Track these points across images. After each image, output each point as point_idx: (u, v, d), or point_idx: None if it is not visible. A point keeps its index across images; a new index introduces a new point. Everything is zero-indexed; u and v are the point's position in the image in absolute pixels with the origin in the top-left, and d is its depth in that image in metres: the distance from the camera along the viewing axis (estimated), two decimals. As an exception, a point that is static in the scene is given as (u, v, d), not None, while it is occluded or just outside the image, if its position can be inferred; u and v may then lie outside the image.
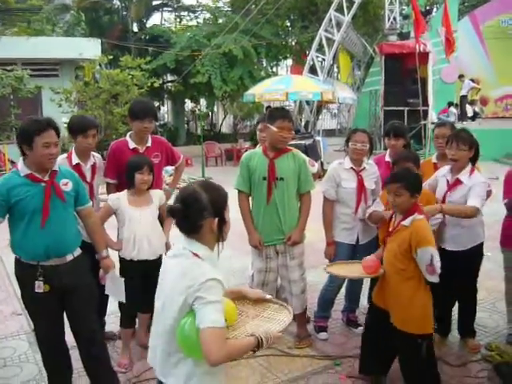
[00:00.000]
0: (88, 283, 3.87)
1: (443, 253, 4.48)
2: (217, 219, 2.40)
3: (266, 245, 4.68)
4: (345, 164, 4.83)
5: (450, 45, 17.14)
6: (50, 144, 3.52)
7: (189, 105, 28.14)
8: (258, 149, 4.77)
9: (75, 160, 4.51)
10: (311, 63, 19.33)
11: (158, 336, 2.50)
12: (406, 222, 3.70)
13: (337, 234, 4.90)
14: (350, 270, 4.22)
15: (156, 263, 4.40)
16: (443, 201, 4.45)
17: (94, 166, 4.64)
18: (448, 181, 4.49)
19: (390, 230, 3.88)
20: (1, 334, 5.12)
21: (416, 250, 3.61)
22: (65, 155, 4.54)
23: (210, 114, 27.14)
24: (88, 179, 4.55)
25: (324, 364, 4.53)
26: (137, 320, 4.77)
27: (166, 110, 29.29)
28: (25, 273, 3.67)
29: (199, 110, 25.97)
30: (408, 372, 3.89)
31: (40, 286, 3.60)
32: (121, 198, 4.48)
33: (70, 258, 3.73)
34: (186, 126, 27.09)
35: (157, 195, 4.60)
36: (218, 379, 2.46)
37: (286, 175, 4.56)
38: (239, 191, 4.71)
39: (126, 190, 4.51)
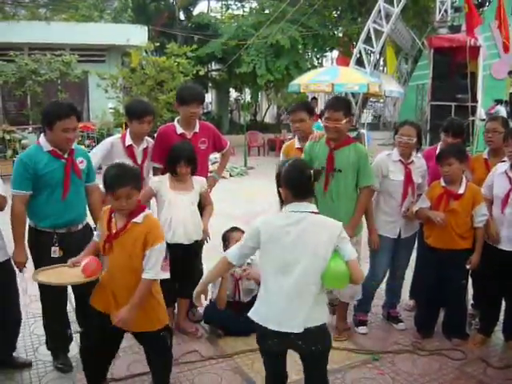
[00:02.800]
0: None
1: (498, 253, 4.40)
2: None
3: None
4: (393, 156, 4.73)
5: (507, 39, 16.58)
6: (69, 129, 3.84)
7: (233, 94, 28.19)
8: (323, 138, 4.68)
9: (128, 141, 4.64)
10: (358, 55, 19.09)
11: (295, 294, 2.95)
12: (138, 219, 3.39)
13: (379, 226, 4.81)
14: (62, 275, 3.65)
15: (191, 248, 4.46)
16: (506, 198, 4.35)
17: (145, 150, 4.74)
18: (510, 178, 4.38)
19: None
20: (36, 312, 5.22)
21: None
22: (119, 135, 4.79)
23: (254, 103, 27.09)
24: (139, 161, 4.68)
25: (362, 358, 4.47)
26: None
27: (210, 99, 29.40)
28: (41, 240, 4.00)
29: (243, 99, 25.97)
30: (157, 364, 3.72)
31: (56, 251, 3.98)
32: (163, 181, 4.53)
33: (80, 226, 4.14)
34: (229, 115, 27.13)
35: (199, 182, 4.62)
36: None
37: (345, 167, 4.46)
38: None
39: (168, 174, 4.54)
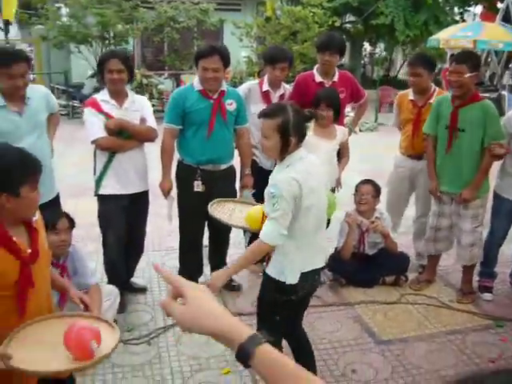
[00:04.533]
0: (233, 191, 4.50)
1: None
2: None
3: (442, 192, 4.56)
4: None
5: None
6: (208, 69, 4.02)
7: (367, 47, 27.45)
8: (448, 94, 4.53)
9: (265, 87, 4.74)
10: (505, 10, 17.77)
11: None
12: None
13: (503, 188, 4.59)
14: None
15: None
16: None
17: (282, 96, 4.81)
18: None
19: None
20: (168, 245, 5.56)
21: None
22: (257, 81, 4.92)
23: (389, 58, 26.24)
24: None
25: (485, 323, 4.37)
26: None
27: (343, 52, 28.84)
28: (186, 173, 4.32)
29: (377, 53, 25.23)
30: None
31: (199, 186, 4.26)
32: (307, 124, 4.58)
33: (223, 167, 4.34)
34: (362, 69, 26.50)
35: (341, 131, 4.65)
36: None
37: (469, 126, 4.28)
38: (427, 134, 4.58)
39: (313, 120, 4.58)
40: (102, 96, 4.08)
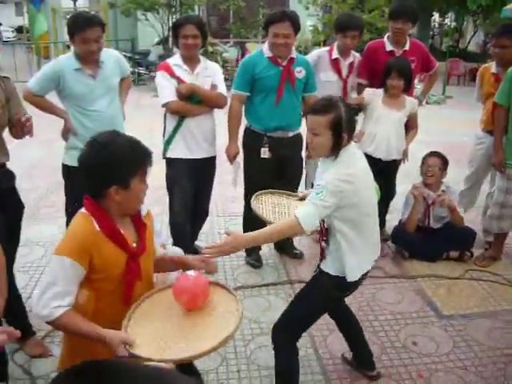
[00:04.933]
0: (299, 159, 4.51)
1: None
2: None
3: (508, 166, 4.42)
4: None
5: None
6: (279, 35, 4.03)
7: (436, 18, 26.58)
8: None
9: (335, 55, 4.69)
10: None
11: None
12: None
13: None
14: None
15: (387, 164, 4.48)
16: None
17: (351, 64, 4.75)
18: None
19: None
20: (231, 211, 5.63)
21: None
22: (326, 48, 4.84)
23: (458, 29, 25.35)
24: (343, 75, 4.72)
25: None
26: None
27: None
28: (253, 140, 4.34)
29: (446, 24, 24.41)
30: None
31: (266, 152, 4.28)
32: (376, 94, 4.55)
33: (291, 134, 4.33)
34: (430, 40, 25.74)
35: (410, 102, 4.60)
36: None
37: None
38: (498, 105, 4.42)
39: (382, 89, 4.54)
40: (175, 60, 4.13)
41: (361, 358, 3.31)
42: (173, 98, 4.03)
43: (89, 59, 3.76)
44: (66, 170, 3.89)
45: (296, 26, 4.06)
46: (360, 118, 4.78)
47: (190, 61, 4.10)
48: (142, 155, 2.18)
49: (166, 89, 4.05)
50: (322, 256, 2.82)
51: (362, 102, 4.55)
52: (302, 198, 3.10)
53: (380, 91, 4.54)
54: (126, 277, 2.22)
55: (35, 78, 3.85)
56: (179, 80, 4.05)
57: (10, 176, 3.37)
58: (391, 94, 4.46)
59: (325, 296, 2.82)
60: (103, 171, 2.09)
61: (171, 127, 4.17)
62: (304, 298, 2.87)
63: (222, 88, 4.19)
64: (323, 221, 2.68)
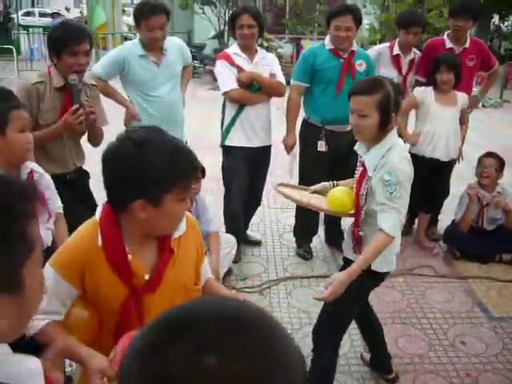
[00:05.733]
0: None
1: None
2: None
3: None
4: None
5: None
6: (341, 27, 4.02)
7: (496, 20, 25.95)
8: None
9: (396, 51, 4.70)
10: None
11: None
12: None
13: None
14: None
15: (445, 164, 4.45)
16: None
17: (412, 61, 4.74)
18: None
19: None
20: (283, 203, 5.64)
21: None
22: (387, 44, 4.86)
23: (519, 32, 24.71)
24: (403, 72, 4.71)
25: None
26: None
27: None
28: (310, 132, 4.32)
29: (507, 26, 23.81)
30: None
31: (322, 145, 4.23)
32: (428, 92, 4.51)
33: (348, 128, 3.97)
34: (489, 43, 25.19)
35: (461, 97, 4.55)
36: None
37: None
38: None
39: (432, 86, 4.51)
40: (234, 50, 4.20)
41: (379, 359, 3.26)
42: (234, 86, 4.09)
43: (153, 46, 3.87)
44: None
45: (357, 20, 4.07)
46: (411, 119, 4.79)
47: (248, 50, 4.17)
48: (185, 166, 1.65)
49: (226, 77, 4.11)
50: (359, 245, 2.67)
51: (415, 101, 4.52)
52: (316, 192, 3.02)
53: (430, 89, 4.50)
54: (120, 314, 1.75)
55: (100, 63, 3.99)
56: (239, 68, 4.12)
57: (86, 176, 3.64)
58: (442, 90, 4.42)
59: (361, 285, 2.59)
60: (129, 178, 1.59)
61: (230, 116, 4.23)
62: (342, 296, 2.51)
63: (280, 77, 4.26)
64: (362, 208, 2.60)
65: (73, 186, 3.37)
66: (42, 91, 3.18)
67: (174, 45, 4.08)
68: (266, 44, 14.79)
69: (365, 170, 2.56)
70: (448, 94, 4.46)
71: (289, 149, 4.41)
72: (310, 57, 4.21)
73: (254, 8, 4.51)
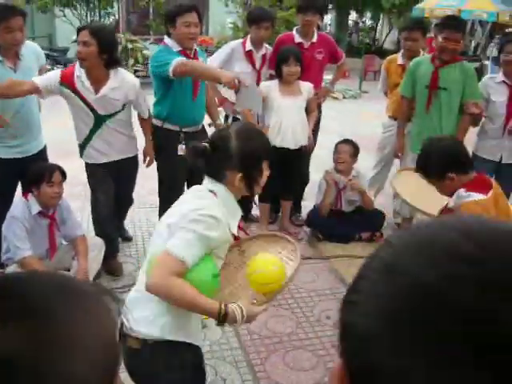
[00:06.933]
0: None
1: None
2: (240, 174, 2.04)
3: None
4: (497, 78, 4.57)
5: None
6: (191, 24, 3.95)
7: (353, 16, 27.37)
8: (427, 56, 4.66)
9: (248, 47, 4.83)
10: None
11: None
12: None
13: (480, 149, 4.68)
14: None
15: (296, 152, 4.67)
16: None
17: (264, 56, 4.90)
18: None
19: None
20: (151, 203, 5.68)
21: None
22: (240, 40, 4.97)
23: (374, 27, 26.22)
24: (257, 67, 4.87)
25: None
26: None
27: (329, 21, 28.72)
28: (169, 137, 4.21)
29: (363, 22, 25.20)
30: None
31: (182, 149, 4.14)
32: (272, 85, 4.71)
33: (200, 127, 4.36)
34: (348, 38, 26.49)
35: (306, 87, 4.75)
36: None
37: (450, 85, 4.41)
38: (402, 96, 4.72)
39: (277, 80, 4.72)
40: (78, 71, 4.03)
41: None
42: None
43: (10, 51, 3.74)
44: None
45: (198, 14, 4.05)
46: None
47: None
48: None
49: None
50: None
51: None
52: None
53: (275, 82, 4.70)
54: None
55: None
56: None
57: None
58: (288, 82, 4.62)
59: None
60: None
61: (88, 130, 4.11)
62: None
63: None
64: None
65: None
66: None
67: (30, 49, 3.97)
68: (130, 46, 14.62)
69: None
70: (292, 86, 4.66)
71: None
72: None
73: (93, 25, 4.38)
